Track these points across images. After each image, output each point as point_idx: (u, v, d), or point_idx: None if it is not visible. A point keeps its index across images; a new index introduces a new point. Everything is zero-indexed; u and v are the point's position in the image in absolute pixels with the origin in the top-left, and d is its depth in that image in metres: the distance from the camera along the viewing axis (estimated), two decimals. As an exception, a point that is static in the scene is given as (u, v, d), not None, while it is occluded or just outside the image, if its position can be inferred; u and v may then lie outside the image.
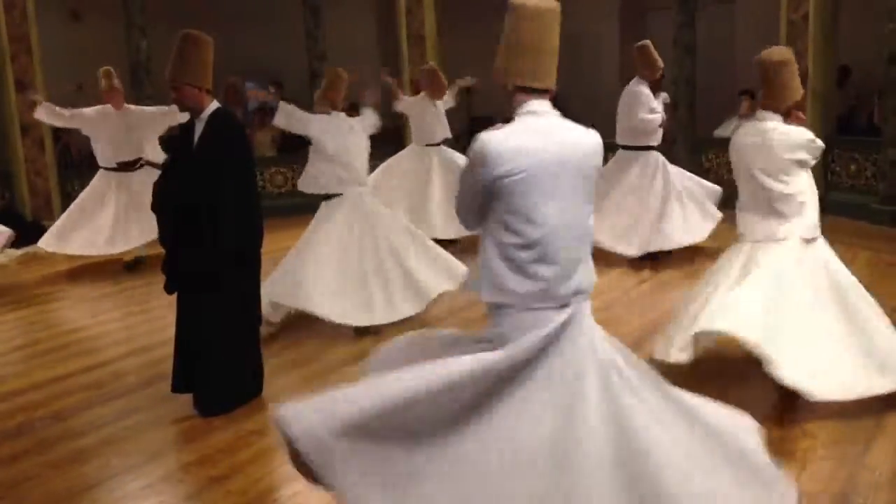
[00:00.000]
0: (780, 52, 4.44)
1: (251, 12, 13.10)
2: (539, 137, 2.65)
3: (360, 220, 6.01)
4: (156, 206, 4.51)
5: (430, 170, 8.70)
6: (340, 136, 6.03)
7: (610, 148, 8.04)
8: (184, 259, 4.44)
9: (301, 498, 3.63)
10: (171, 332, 5.68)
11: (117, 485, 3.82)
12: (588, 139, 2.74)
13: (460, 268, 6.22)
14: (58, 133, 11.15)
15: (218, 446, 4.14)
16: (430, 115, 8.72)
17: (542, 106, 2.74)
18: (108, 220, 8.29)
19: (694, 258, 7.47)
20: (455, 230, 7.91)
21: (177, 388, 4.62)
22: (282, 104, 6.10)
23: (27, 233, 9.01)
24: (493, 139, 2.60)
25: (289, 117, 6.05)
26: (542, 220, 2.61)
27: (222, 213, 4.34)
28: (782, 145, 4.29)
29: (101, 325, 6.62)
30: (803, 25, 9.58)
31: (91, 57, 11.66)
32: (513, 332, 2.65)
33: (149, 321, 6.57)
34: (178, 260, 4.46)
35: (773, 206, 4.36)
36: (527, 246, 2.62)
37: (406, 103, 8.90)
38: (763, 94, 4.46)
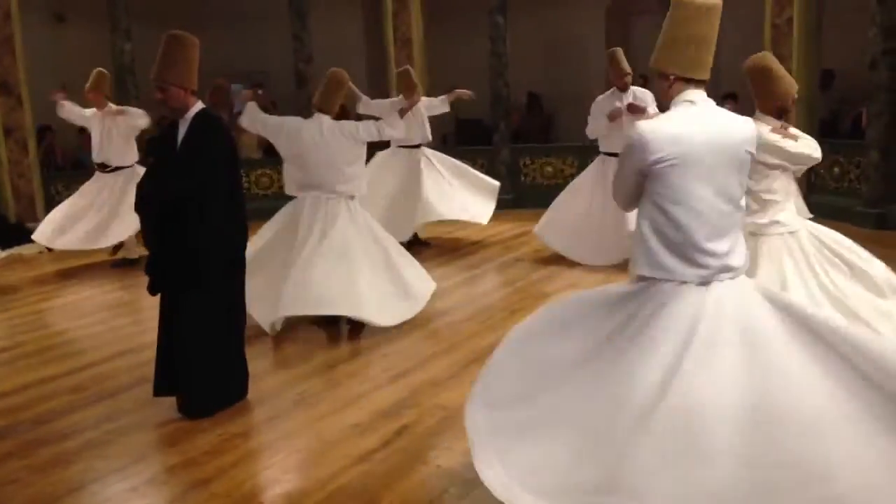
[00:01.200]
0: (757, 58, 4.65)
1: (237, 14, 13.08)
2: (695, 125, 2.88)
3: (317, 222, 5.95)
4: (138, 206, 4.50)
5: (409, 170, 8.73)
6: (298, 141, 5.98)
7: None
8: (168, 259, 4.42)
9: (285, 500, 3.62)
10: (153, 335, 5.66)
11: (101, 488, 3.80)
12: (741, 127, 2.97)
13: (423, 290, 6.17)
14: (42, 134, 11.10)
15: (202, 449, 4.13)
16: (410, 117, 8.72)
17: (698, 96, 2.97)
18: (96, 215, 8.35)
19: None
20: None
21: (159, 391, 4.60)
22: (248, 105, 6.07)
23: (11, 235, 8.97)
24: (651, 127, 2.88)
25: (252, 119, 6.04)
26: (695, 203, 2.85)
27: (206, 213, 4.34)
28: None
29: (84, 327, 6.58)
30: (787, 29, 9.65)
31: (75, 59, 11.63)
32: (665, 307, 2.89)
33: (133, 324, 6.54)
34: (163, 261, 4.44)
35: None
36: (679, 227, 2.86)
37: (378, 105, 8.78)
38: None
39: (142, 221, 4.54)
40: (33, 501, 3.69)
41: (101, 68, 8.46)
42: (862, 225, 8.78)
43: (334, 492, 3.63)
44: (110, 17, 10.57)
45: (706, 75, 3.00)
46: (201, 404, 4.51)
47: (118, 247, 8.62)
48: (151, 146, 4.55)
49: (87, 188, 8.60)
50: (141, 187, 4.52)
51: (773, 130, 4.49)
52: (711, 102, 2.97)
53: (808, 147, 4.55)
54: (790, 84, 4.61)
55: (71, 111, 8.36)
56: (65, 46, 11.98)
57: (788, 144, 4.49)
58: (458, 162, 9.16)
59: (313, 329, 6.00)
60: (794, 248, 4.61)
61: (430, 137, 8.97)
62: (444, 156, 9.10)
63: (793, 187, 4.71)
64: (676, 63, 2.97)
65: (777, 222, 4.59)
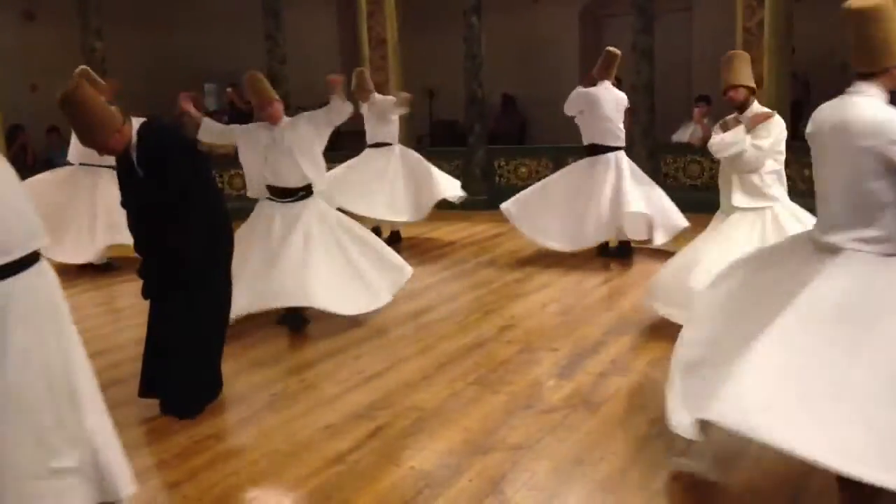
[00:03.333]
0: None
1: (210, 14, 12.99)
2: (835, 111, 3.22)
3: (279, 220, 5.96)
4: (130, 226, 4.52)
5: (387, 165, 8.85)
6: (255, 143, 5.97)
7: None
8: (159, 264, 4.41)
9: (258, 503, 3.60)
10: (130, 335, 5.61)
11: (70, 491, 3.75)
12: (869, 118, 3.12)
13: (391, 281, 6.22)
14: (12, 134, 10.97)
15: (174, 451, 4.09)
16: (369, 117, 8.88)
17: (859, 87, 3.25)
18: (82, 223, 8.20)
19: (655, 263, 7.55)
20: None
21: (146, 392, 4.55)
22: (204, 121, 5.98)
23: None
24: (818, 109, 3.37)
25: (211, 133, 6.00)
26: (819, 184, 3.40)
27: (183, 213, 4.33)
28: None
29: (54, 329, 6.49)
30: (758, 33, 9.75)
31: (45, 58, 11.50)
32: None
33: (105, 325, 6.47)
34: (155, 265, 4.43)
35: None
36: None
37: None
38: None
39: (131, 230, 4.50)
40: None
41: (83, 66, 8.32)
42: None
43: (307, 493, 3.61)
44: (81, 16, 10.46)
45: (871, 68, 3.28)
46: (190, 403, 4.49)
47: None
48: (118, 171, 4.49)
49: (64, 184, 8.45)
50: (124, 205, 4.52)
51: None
52: (872, 94, 3.21)
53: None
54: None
55: None
56: (34, 45, 11.85)
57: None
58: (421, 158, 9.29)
59: (286, 331, 5.97)
60: None
61: (395, 140, 9.07)
62: (412, 151, 9.30)
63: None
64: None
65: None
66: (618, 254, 8.03)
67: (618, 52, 7.90)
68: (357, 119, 8.94)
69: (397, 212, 8.71)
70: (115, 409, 4.57)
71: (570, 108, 7.93)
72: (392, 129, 8.95)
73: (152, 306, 4.57)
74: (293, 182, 5.96)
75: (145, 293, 4.53)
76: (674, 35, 12.43)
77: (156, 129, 4.38)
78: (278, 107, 5.94)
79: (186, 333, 4.45)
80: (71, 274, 8.26)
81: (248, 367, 5.33)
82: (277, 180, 5.96)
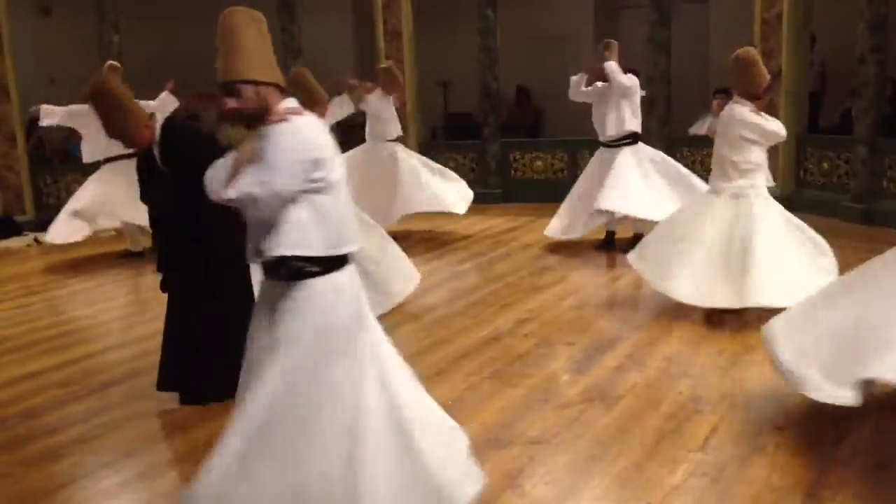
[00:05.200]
0: (744, 51, 5.73)
1: (224, 6, 13.00)
2: None
3: None
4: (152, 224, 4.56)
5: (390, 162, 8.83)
6: None
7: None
8: (185, 258, 4.42)
9: (277, 495, 3.63)
10: (144, 329, 5.64)
11: (91, 482, 3.79)
12: None
13: (402, 286, 6.24)
14: (30, 127, 11.03)
15: (193, 443, 4.12)
16: (386, 112, 8.81)
17: None
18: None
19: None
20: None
21: (165, 385, 4.58)
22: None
23: (-1, 228, 8.93)
24: None
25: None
26: None
27: (211, 216, 4.37)
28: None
29: (72, 321, 6.57)
30: (776, 24, 9.68)
31: (62, 51, 11.57)
32: None
33: (121, 318, 6.52)
34: (180, 259, 4.44)
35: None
36: None
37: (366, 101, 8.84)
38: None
39: (152, 224, 4.52)
40: (24, 496, 3.68)
41: (112, 62, 8.41)
42: (849, 220, 8.83)
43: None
44: (97, 9, 10.51)
45: None
46: (211, 390, 4.46)
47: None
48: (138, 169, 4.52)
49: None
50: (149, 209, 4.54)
51: (752, 111, 5.63)
52: None
53: (778, 126, 5.71)
54: (765, 76, 5.71)
55: (50, 113, 8.31)
56: (51, 39, 11.91)
57: (766, 123, 5.64)
58: (427, 159, 9.30)
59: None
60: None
61: (401, 132, 9.12)
62: (413, 152, 9.34)
63: (763, 158, 5.76)
64: None
65: (754, 186, 5.67)
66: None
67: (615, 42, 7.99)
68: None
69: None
70: (132, 402, 4.67)
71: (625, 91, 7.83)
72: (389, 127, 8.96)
73: (171, 302, 4.59)
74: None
75: (164, 287, 4.56)
76: (691, 26, 12.34)
77: (181, 128, 4.39)
78: (323, 112, 6.09)
79: (214, 330, 4.46)
80: (86, 267, 8.34)
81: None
82: None
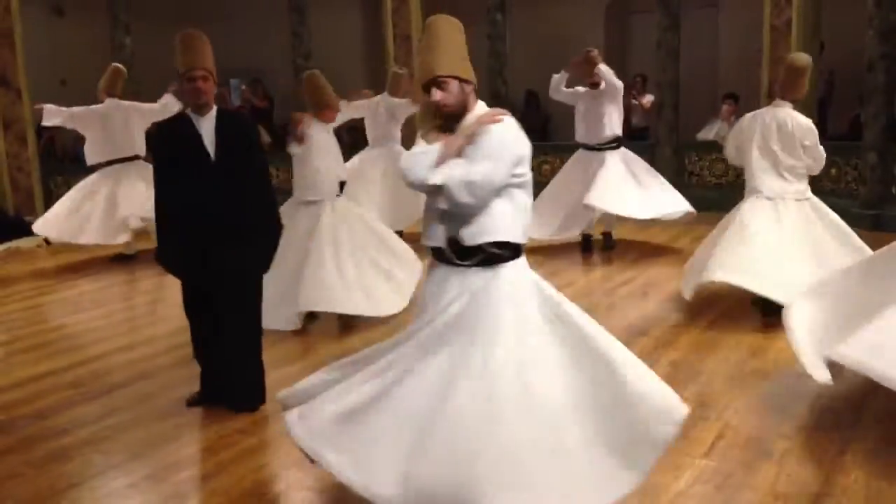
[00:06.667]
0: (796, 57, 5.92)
1: (236, 10, 13.08)
2: None
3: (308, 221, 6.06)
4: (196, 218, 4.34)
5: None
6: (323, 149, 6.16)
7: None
8: (237, 257, 4.35)
9: (285, 497, 3.65)
10: (153, 331, 5.67)
11: (100, 483, 3.82)
12: None
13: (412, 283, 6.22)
14: (41, 128, 11.10)
15: (201, 445, 4.15)
16: (382, 116, 8.73)
17: None
18: (97, 208, 8.35)
19: (678, 261, 7.52)
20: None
21: (209, 397, 4.56)
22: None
23: (9, 228, 8.97)
24: None
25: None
26: None
27: (267, 210, 4.45)
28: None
29: (82, 322, 6.59)
30: (786, 31, 9.68)
31: (74, 53, 11.64)
32: None
33: (130, 319, 6.56)
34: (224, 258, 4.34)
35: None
36: None
37: (360, 106, 8.81)
38: None
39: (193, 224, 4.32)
40: (34, 496, 3.70)
41: (116, 64, 8.48)
42: (858, 226, 8.77)
43: (335, 487, 3.64)
44: (110, 12, 10.57)
45: None
46: (259, 394, 4.54)
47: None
48: (164, 144, 4.36)
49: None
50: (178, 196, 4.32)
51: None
52: None
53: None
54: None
55: (53, 113, 8.35)
56: (64, 40, 11.99)
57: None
58: None
59: (311, 325, 6.02)
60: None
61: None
62: None
63: None
64: None
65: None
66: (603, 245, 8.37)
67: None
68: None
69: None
70: (141, 403, 4.70)
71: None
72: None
73: (202, 313, 4.47)
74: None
75: (210, 286, 4.43)
76: (700, 32, 12.34)
77: (238, 117, 4.46)
78: (334, 115, 6.18)
79: (252, 329, 4.51)
80: (95, 268, 8.39)
81: (272, 364, 5.35)
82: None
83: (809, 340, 4.23)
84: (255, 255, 4.42)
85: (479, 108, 3.14)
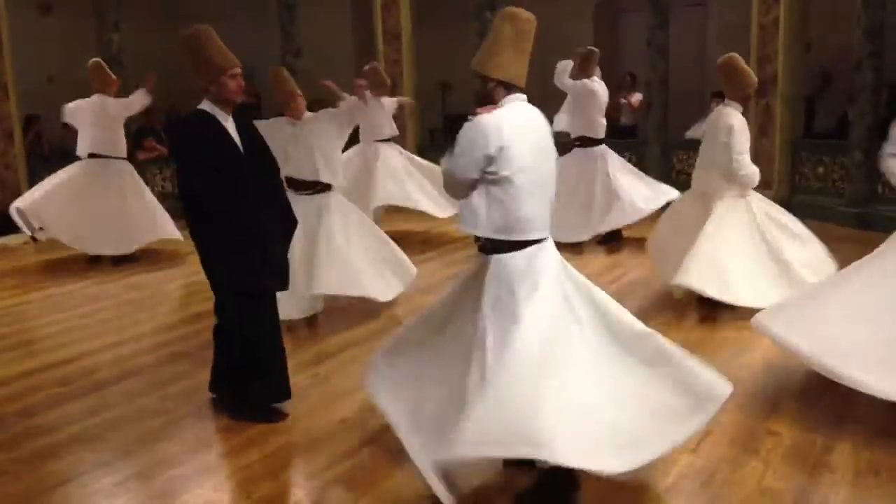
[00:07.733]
0: (726, 57, 5.92)
1: (225, 7, 13.03)
2: None
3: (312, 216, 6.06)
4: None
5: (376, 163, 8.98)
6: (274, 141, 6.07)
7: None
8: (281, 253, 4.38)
9: (274, 497, 3.65)
10: (141, 328, 5.65)
11: (89, 481, 3.81)
12: None
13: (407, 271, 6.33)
14: (28, 124, 11.04)
15: (189, 444, 4.14)
16: (376, 113, 8.86)
17: None
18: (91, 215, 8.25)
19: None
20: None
21: (243, 395, 4.44)
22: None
23: (-3, 225, 8.93)
24: None
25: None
26: None
27: (287, 205, 4.51)
28: None
29: (69, 319, 6.56)
30: (774, 30, 9.73)
31: (61, 50, 11.57)
32: None
33: (118, 317, 6.53)
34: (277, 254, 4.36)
35: None
36: None
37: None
38: None
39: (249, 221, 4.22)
40: (22, 494, 3.69)
41: (96, 59, 8.43)
42: (844, 224, 8.87)
43: (322, 486, 3.66)
44: (97, 8, 10.52)
45: None
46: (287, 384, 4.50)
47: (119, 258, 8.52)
48: (189, 142, 4.25)
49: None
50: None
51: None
52: None
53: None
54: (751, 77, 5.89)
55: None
56: (51, 37, 11.92)
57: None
58: (421, 161, 9.43)
59: (300, 324, 6.02)
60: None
61: (396, 132, 9.34)
62: (406, 152, 9.57)
63: None
64: None
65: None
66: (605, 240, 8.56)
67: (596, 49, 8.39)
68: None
69: None
70: (129, 401, 4.69)
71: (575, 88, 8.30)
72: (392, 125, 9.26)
73: (248, 315, 4.29)
74: (314, 175, 6.02)
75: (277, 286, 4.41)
76: (688, 31, 12.39)
77: (243, 114, 4.41)
78: (300, 102, 6.01)
79: (277, 325, 4.48)
80: (82, 266, 8.36)
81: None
82: (299, 173, 6.01)
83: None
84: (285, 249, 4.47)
85: (506, 102, 3.27)
